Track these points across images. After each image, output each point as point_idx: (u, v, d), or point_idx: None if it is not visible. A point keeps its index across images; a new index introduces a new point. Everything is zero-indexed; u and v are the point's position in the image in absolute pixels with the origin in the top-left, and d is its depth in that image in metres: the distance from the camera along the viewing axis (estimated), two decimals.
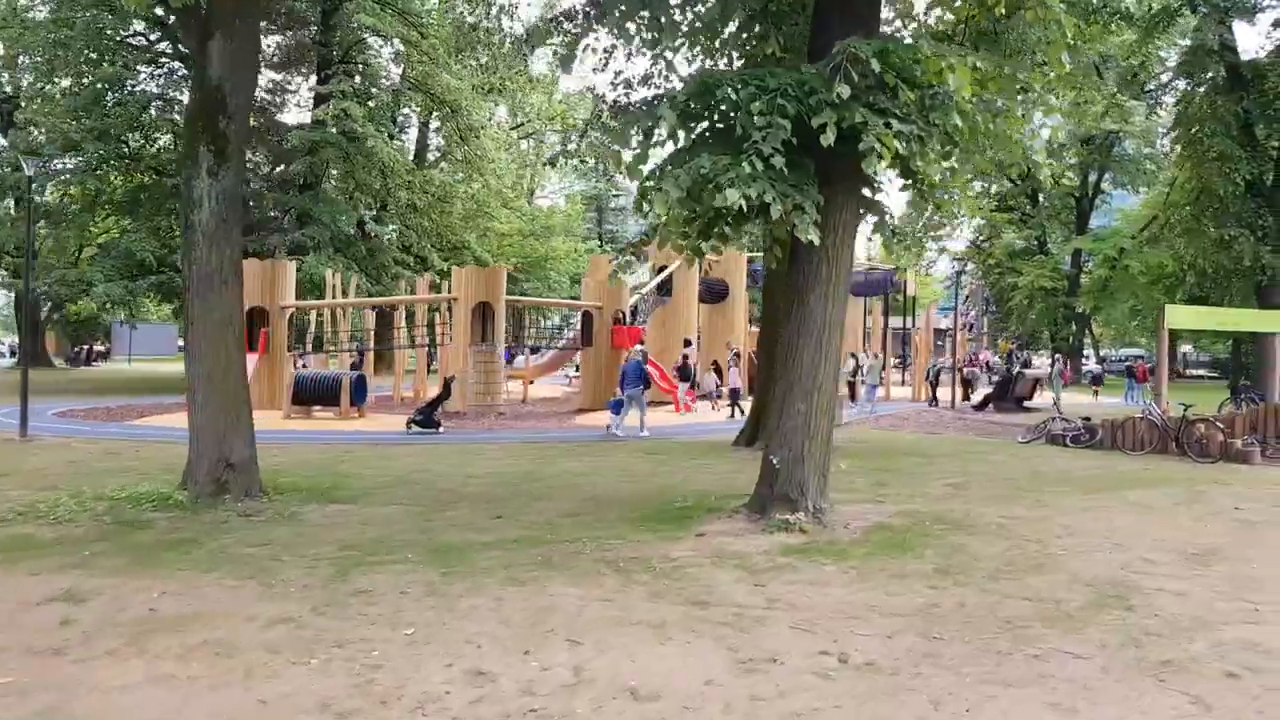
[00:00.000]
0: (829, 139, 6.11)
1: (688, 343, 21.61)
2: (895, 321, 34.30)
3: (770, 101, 6.20)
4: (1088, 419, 14.10)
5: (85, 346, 41.80)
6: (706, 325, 24.63)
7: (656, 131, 6.35)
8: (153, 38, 24.45)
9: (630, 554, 6.13)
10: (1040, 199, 42.66)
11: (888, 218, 7.73)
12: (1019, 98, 6.75)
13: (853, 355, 23.91)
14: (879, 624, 4.70)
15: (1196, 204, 19.26)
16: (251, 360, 16.70)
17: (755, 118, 6.13)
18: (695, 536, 6.69)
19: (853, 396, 22.03)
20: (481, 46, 12.98)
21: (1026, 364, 28.75)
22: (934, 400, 22.44)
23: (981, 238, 46.18)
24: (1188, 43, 18.65)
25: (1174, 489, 9.41)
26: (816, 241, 6.38)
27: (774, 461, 7.19)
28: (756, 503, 7.29)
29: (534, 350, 23.22)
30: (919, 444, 13.58)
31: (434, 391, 15.89)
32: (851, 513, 7.59)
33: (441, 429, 14.32)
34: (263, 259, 19.41)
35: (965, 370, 23.17)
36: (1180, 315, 13.28)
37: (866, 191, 7.56)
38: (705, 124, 6.73)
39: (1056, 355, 31.37)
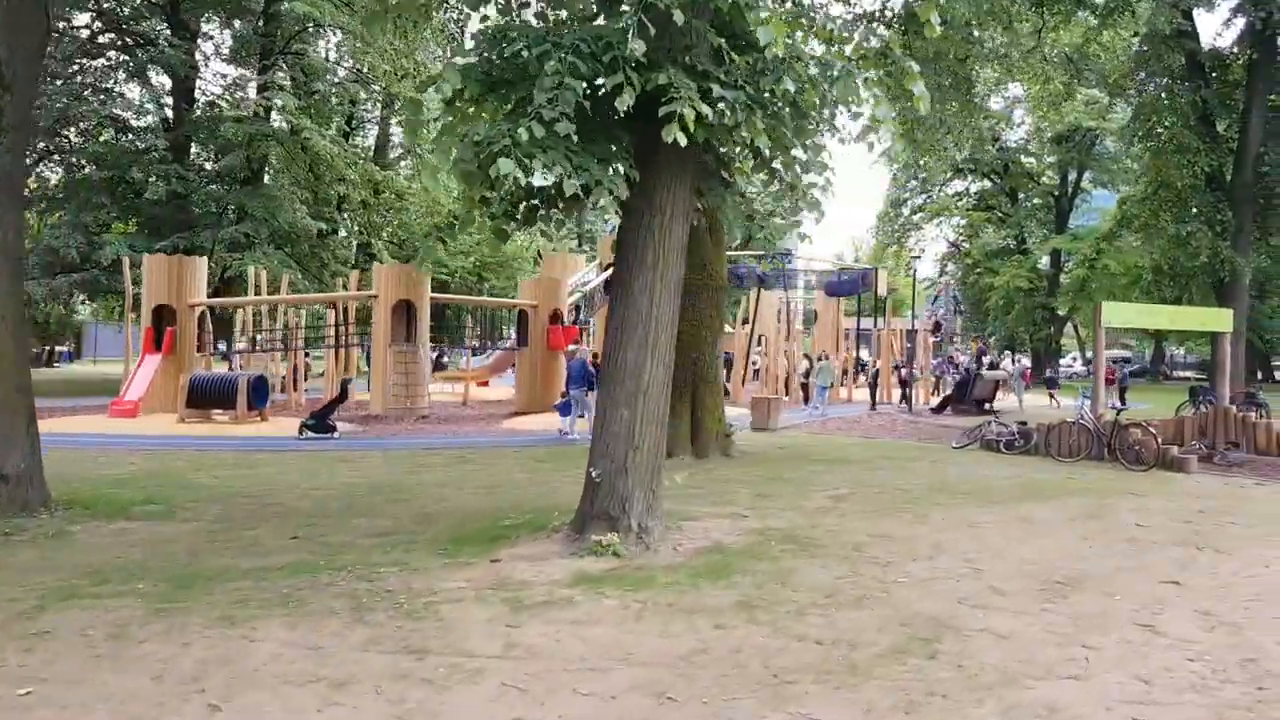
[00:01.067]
0: (625, 103, 5.26)
1: None
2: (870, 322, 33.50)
3: (564, 60, 5.35)
4: (1023, 423, 13.38)
5: (46, 348, 40.91)
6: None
7: (432, 95, 5.50)
8: None
9: (392, 586, 5.30)
10: (1020, 198, 41.85)
11: (738, 198, 6.89)
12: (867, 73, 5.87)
13: (806, 356, 23.22)
14: (615, 679, 3.87)
15: (1155, 198, 18.42)
16: (153, 362, 15.90)
17: (546, 78, 5.29)
18: (489, 562, 5.85)
19: (806, 399, 21.28)
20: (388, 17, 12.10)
21: (993, 365, 27.78)
22: (904, 402, 21.64)
23: (960, 237, 45.43)
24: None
25: (1082, 500, 8.63)
26: (613, 216, 5.51)
27: (593, 475, 6.35)
28: (578, 521, 6.46)
29: (477, 351, 22.46)
30: (843, 449, 12.96)
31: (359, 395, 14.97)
32: (693, 530, 6.79)
33: (337, 434, 13.48)
34: (191, 255, 18.62)
35: (904, 371, 22.32)
36: (1117, 313, 12.44)
37: (727, 172, 6.74)
38: (507, 89, 5.87)
39: (1017, 356, 30.50)
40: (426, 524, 7.13)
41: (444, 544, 6.41)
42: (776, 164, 6.53)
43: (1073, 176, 40.52)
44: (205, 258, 18.12)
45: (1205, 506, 8.52)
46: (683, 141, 5.24)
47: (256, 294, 19.33)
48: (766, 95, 5.83)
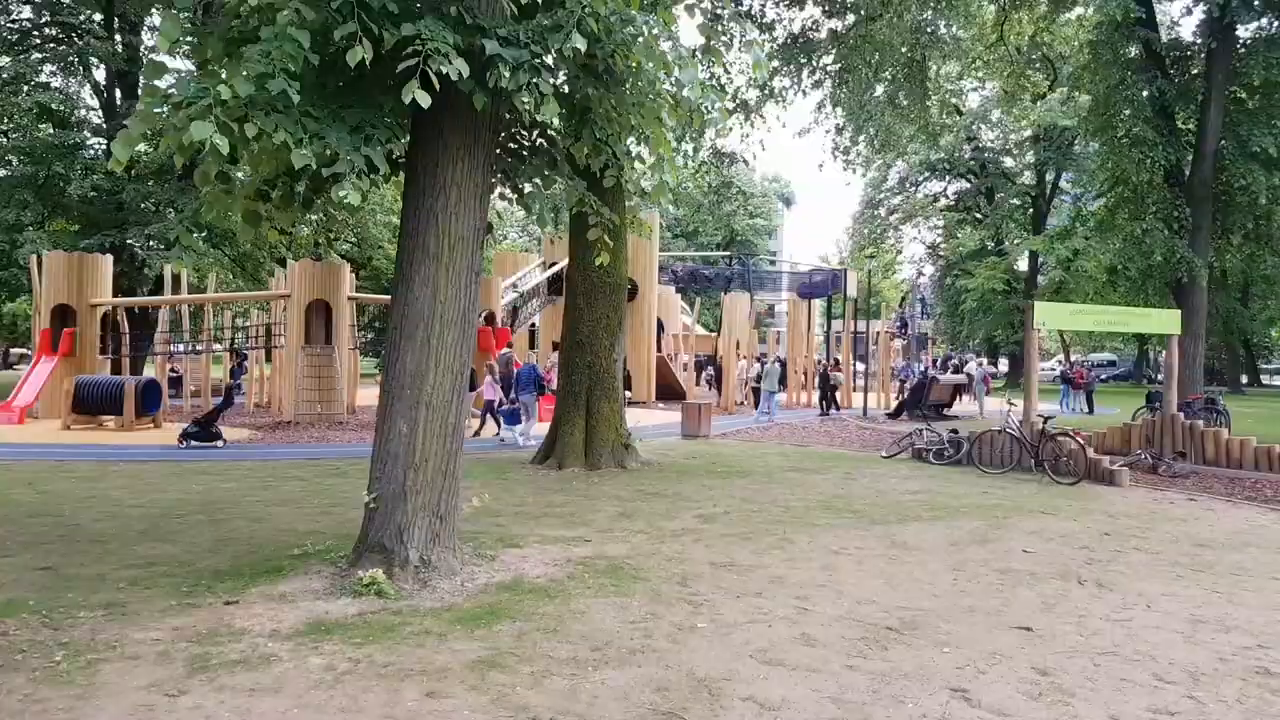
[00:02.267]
0: (357, 57, 4.38)
1: (556, 347, 20.19)
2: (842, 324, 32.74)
3: (295, 10, 4.47)
4: (955, 431, 12.62)
5: (4, 348, 40.20)
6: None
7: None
8: None
9: (74, 636, 4.44)
10: (997, 198, 41.05)
11: (571, 182, 6.02)
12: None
13: (759, 359, 22.43)
14: None
15: (1112, 194, 17.55)
16: (48, 365, 14.99)
17: (273, 29, 4.41)
18: (224, 604, 4.96)
19: (756, 403, 20.58)
20: None
21: (958, 368, 26.98)
22: (827, 407, 20.98)
23: (937, 239, 44.67)
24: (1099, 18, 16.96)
25: (978, 521, 7.81)
26: (356, 202, 4.63)
27: (367, 501, 5.46)
28: (354, 553, 5.58)
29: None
30: (762, 459, 12.29)
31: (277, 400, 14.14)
32: (504, 561, 5.99)
33: (223, 442, 12.59)
34: (117, 252, 17.75)
35: (832, 375, 21.59)
36: (1048, 314, 11.58)
37: (555, 151, 5.88)
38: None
39: (981, 360, 29.67)
40: (217, 551, 6.29)
41: (206, 577, 5.55)
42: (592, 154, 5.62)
43: (1050, 176, 39.70)
44: (111, 256, 17.21)
45: (1115, 528, 7.70)
46: (423, 103, 4.36)
47: (189, 293, 18.44)
48: (559, 57, 4.95)
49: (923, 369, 28.31)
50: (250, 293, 18.74)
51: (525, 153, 6.02)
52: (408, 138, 5.54)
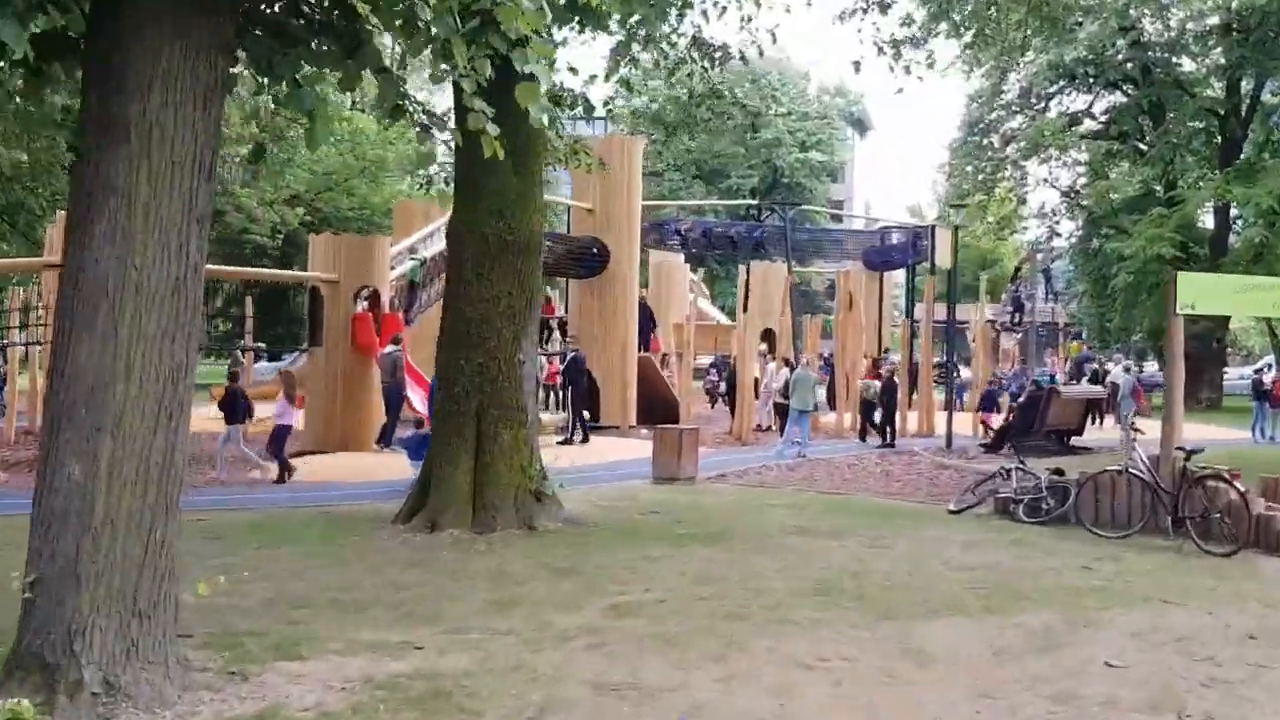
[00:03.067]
0: None
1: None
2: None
3: None
4: (1058, 473, 12.36)
5: None
6: (574, 308, 23.51)
7: None
8: None
9: None
10: (1166, 119, 40.55)
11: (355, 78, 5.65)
12: None
13: (786, 363, 22.13)
14: None
15: None
16: None
17: None
18: None
19: (782, 428, 20.55)
20: None
21: (1097, 376, 26.53)
22: (871, 434, 21.06)
23: (1080, 181, 44.31)
24: None
25: (1046, 615, 7.63)
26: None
27: (24, 589, 5.08)
28: (3, 668, 5.21)
29: (272, 355, 21.69)
30: (753, 514, 12.33)
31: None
32: (265, 681, 5.80)
33: None
34: None
35: (862, 384, 21.58)
36: (1199, 290, 11.15)
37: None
38: None
39: (1130, 362, 29.16)
40: None
41: None
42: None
43: (1248, 85, 39.07)
44: None
45: (1269, 626, 7.36)
46: None
47: None
48: None
49: (1047, 374, 27.93)
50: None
51: (291, 28, 5.63)
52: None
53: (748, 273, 24.93)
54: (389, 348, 17.12)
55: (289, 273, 21.14)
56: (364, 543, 9.96)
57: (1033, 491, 12.02)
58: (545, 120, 6.50)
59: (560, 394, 23.27)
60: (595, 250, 22.08)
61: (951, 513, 12.48)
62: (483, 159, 11.15)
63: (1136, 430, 11.89)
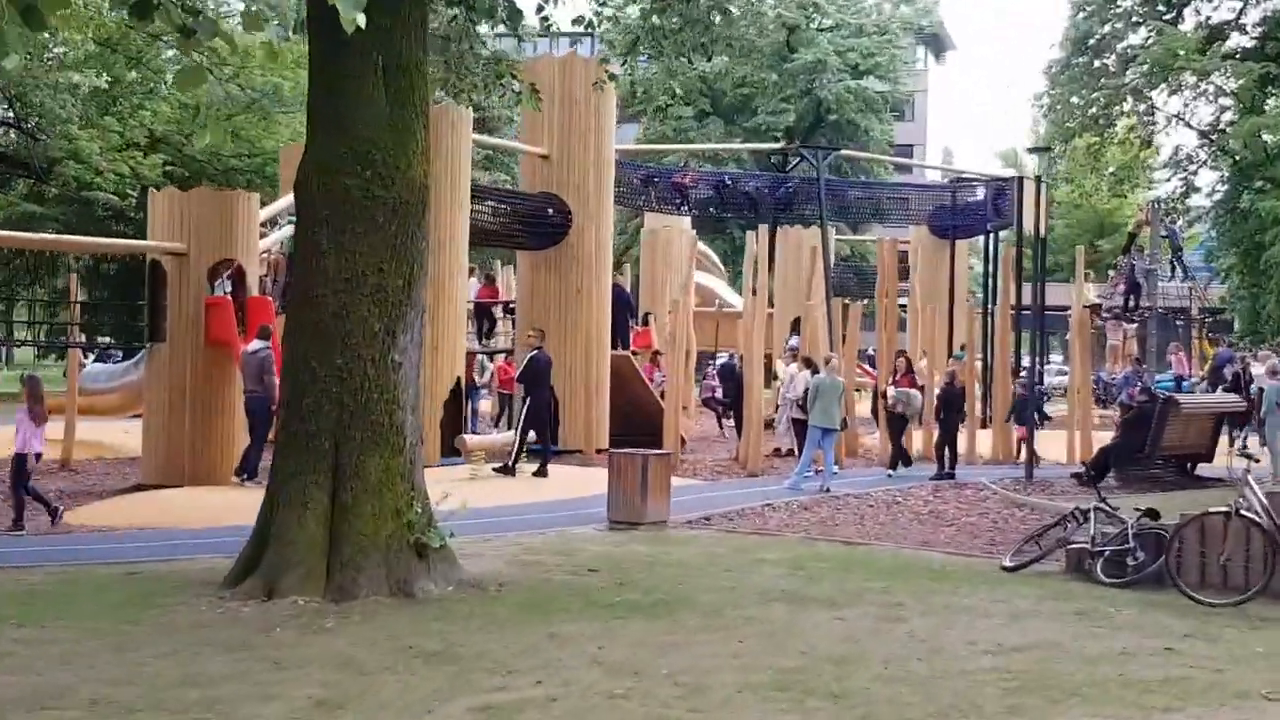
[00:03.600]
0: None
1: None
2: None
3: None
4: (1152, 514, 12.29)
5: None
6: (523, 290, 23.82)
7: None
8: None
9: None
10: None
11: None
12: None
13: (807, 363, 21.92)
14: None
15: None
16: None
17: None
18: None
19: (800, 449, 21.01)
20: None
21: (1238, 381, 26.07)
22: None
23: (1224, 117, 43.86)
24: None
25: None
26: None
27: None
28: None
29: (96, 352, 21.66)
30: (733, 572, 12.47)
31: None
32: None
33: None
34: None
35: (893, 394, 21.41)
36: None
37: None
38: None
39: (1276, 362, 28.65)
40: None
41: None
42: None
43: None
44: None
45: None
46: None
47: None
48: None
49: (1171, 379, 27.59)
50: None
51: None
52: None
53: (773, 240, 24.77)
54: (255, 344, 16.98)
55: (116, 241, 20.91)
56: (172, 616, 9.84)
57: (1116, 541, 12.07)
58: (360, 21, 6.16)
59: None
60: (551, 211, 21.98)
61: (1006, 570, 12.58)
62: (343, 81, 10.94)
63: (1250, 458, 11.64)
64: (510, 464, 18.66)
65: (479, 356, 24.60)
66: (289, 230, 19.76)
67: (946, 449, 20.86)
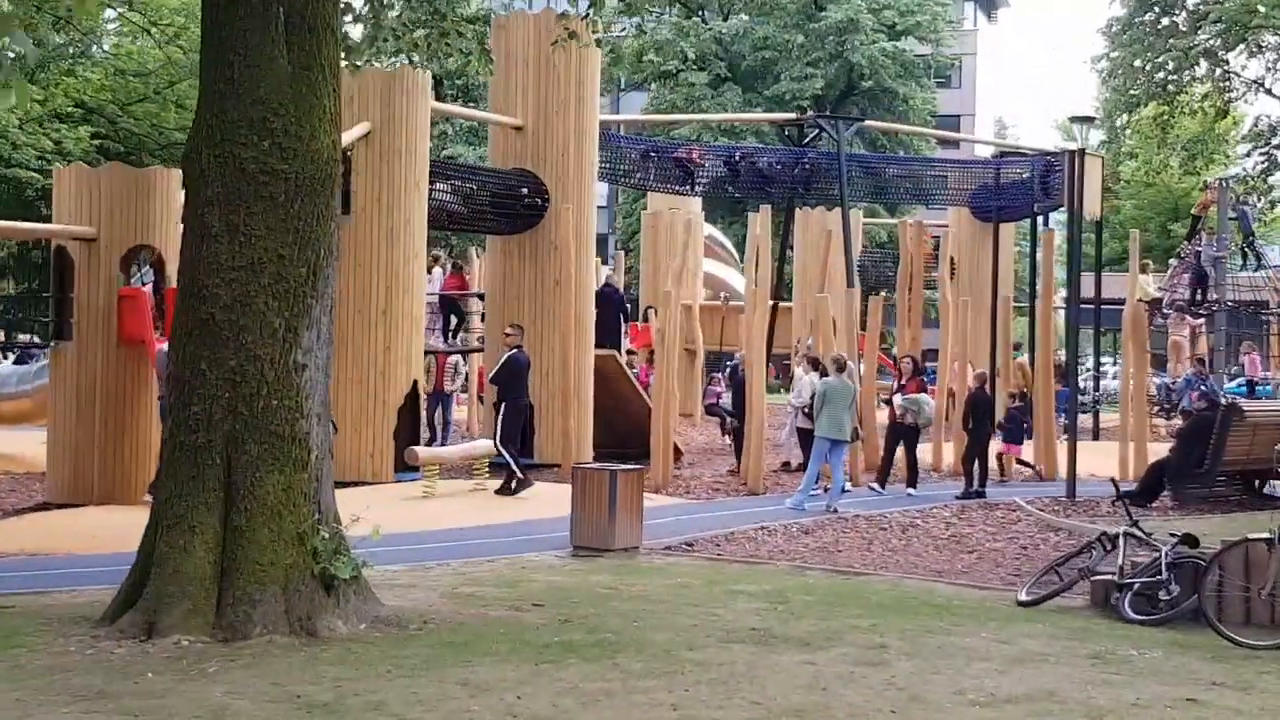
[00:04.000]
0: None
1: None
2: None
3: None
4: (1190, 540, 12.27)
5: None
6: (493, 281, 23.93)
7: None
8: None
9: None
10: None
11: None
12: None
13: (815, 365, 21.84)
14: None
15: None
16: None
17: None
18: None
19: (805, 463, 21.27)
20: None
21: None
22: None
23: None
24: None
25: None
26: None
27: None
28: None
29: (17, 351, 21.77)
30: (700, 607, 12.49)
31: None
32: None
33: None
34: None
35: (900, 402, 21.56)
36: None
37: None
38: None
39: None
40: None
41: None
42: None
43: None
44: None
45: None
46: None
47: None
48: None
49: (1243, 383, 27.43)
50: None
51: None
52: None
53: (790, 222, 24.60)
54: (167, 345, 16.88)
55: (13, 225, 20.86)
56: (31, 657, 9.66)
57: (1148, 572, 12.15)
58: None
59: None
60: (525, 191, 21.93)
61: (1021, 605, 12.67)
62: (238, 39, 10.77)
63: None
64: (509, 483, 18.76)
65: (452, 358, 24.60)
66: None
67: (976, 463, 20.75)
